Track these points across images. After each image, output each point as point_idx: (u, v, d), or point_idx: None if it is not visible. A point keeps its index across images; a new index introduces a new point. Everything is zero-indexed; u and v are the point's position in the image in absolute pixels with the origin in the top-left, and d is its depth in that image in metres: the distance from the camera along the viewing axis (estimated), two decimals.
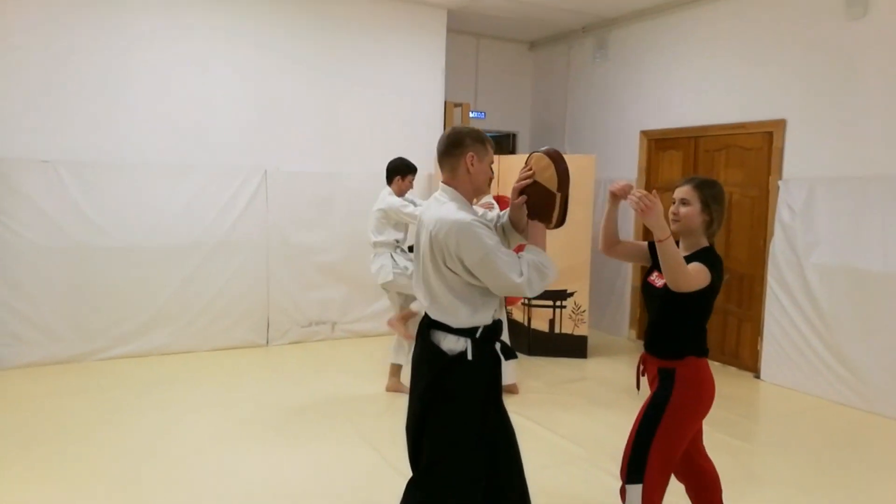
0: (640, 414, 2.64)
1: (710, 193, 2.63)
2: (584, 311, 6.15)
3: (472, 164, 2.41)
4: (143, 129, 5.67)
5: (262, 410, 4.53)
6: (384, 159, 6.54)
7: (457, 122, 7.28)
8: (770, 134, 5.50)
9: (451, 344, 2.38)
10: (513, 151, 8.29)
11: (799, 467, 3.87)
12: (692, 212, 2.61)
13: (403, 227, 4.88)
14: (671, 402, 2.56)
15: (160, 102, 5.71)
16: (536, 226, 2.44)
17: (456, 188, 2.44)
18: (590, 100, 7.44)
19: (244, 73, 6.03)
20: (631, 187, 2.54)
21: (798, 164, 5.31)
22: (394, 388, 4.98)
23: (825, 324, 5.04)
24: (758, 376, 5.59)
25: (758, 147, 5.62)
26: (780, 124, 5.41)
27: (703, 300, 2.59)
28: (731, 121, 5.83)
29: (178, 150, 5.81)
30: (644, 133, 6.73)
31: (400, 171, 4.91)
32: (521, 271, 2.28)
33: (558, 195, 2.36)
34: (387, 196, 4.85)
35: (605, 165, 6.93)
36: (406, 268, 4.72)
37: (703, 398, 2.63)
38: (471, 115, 7.45)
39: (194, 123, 5.86)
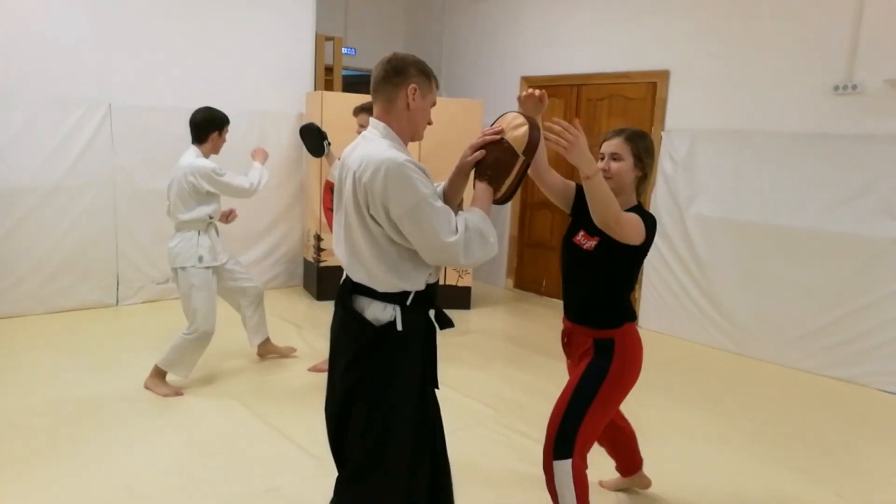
0: (570, 387, 2.44)
1: (642, 146, 2.44)
2: None
3: (412, 99, 2.00)
4: None
5: (125, 384, 3.90)
6: (250, 94, 5.94)
7: (328, 57, 6.69)
8: (654, 84, 5.52)
9: (376, 312, 1.98)
10: None
11: (686, 410, 3.98)
12: (625, 167, 2.41)
13: (216, 196, 3.84)
14: (610, 373, 2.40)
15: None
16: (485, 189, 2.06)
17: (389, 124, 2.02)
18: (468, 42, 7.14)
19: None
20: (543, 95, 2.18)
21: (681, 115, 5.38)
22: (267, 351, 4.46)
23: (703, 273, 5.22)
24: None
25: (641, 97, 5.64)
26: (664, 75, 5.44)
27: (636, 260, 2.44)
28: (614, 70, 5.79)
29: None
30: (525, 79, 6.56)
31: (216, 125, 3.77)
32: (454, 229, 1.89)
33: (521, 159, 2.02)
34: (195, 160, 3.71)
35: (484, 111, 6.69)
36: (215, 260, 3.84)
37: (637, 365, 2.50)
38: (342, 51, 6.88)
39: (20, 47, 4.84)
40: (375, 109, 2.06)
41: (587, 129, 6.03)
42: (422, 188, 1.87)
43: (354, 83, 7.55)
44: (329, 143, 4.20)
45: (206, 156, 3.81)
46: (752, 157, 4.95)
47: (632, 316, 2.49)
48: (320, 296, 5.96)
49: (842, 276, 4.57)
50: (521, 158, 2.03)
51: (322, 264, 5.93)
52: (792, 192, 4.77)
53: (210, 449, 3.21)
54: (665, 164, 5.41)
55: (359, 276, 2.00)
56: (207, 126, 3.76)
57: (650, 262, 5.54)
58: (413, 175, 1.87)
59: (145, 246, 5.53)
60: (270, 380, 4.15)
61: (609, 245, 2.32)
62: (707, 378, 4.60)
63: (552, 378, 4.27)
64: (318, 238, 5.91)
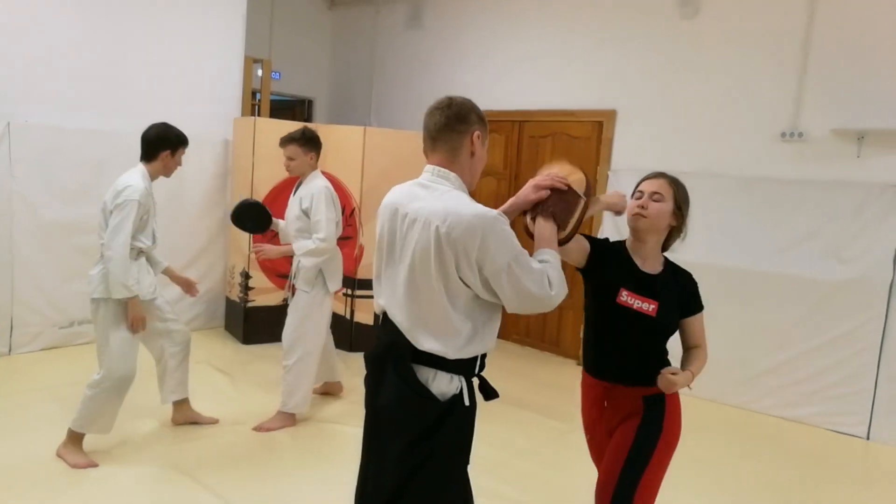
0: (620, 452, 2.21)
1: (682, 195, 2.31)
2: None
3: (476, 148, 1.95)
4: None
5: (18, 456, 3.29)
6: (171, 116, 5.18)
7: (256, 81, 6.25)
8: (600, 123, 5.50)
9: (443, 385, 1.83)
10: (308, 119, 7.44)
11: None
12: (665, 210, 2.24)
13: (151, 228, 3.41)
14: (664, 430, 2.23)
15: None
16: (551, 227, 1.98)
17: (456, 174, 1.94)
18: (400, 71, 6.91)
19: None
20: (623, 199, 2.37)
21: (627, 155, 5.38)
22: (184, 416, 3.79)
23: None
24: (580, 364, 5.62)
25: (586, 136, 5.61)
26: (611, 114, 5.44)
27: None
28: (558, 107, 5.74)
29: None
30: None
31: (170, 144, 3.35)
32: (547, 279, 1.84)
33: (583, 199, 2.04)
34: (137, 179, 3.23)
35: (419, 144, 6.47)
36: (152, 292, 3.45)
37: (680, 421, 2.33)
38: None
39: None
40: (435, 157, 1.96)
41: (529, 167, 5.98)
42: (516, 242, 1.82)
43: (279, 109, 7.12)
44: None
45: (154, 177, 3.36)
46: (700, 199, 4.89)
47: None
48: (247, 339, 5.43)
49: (790, 318, 4.65)
50: (583, 199, 2.04)
51: (250, 304, 5.42)
52: (740, 234, 4.84)
53: None
54: None
55: (428, 344, 1.81)
56: (159, 143, 3.32)
57: None
58: (507, 229, 1.82)
59: (46, 286, 4.83)
60: (201, 444, 3.59)
61: (669, 307, 2.22)
62: None
63: (532, 435, 4.00)
64: (247, 276, 5.41)
